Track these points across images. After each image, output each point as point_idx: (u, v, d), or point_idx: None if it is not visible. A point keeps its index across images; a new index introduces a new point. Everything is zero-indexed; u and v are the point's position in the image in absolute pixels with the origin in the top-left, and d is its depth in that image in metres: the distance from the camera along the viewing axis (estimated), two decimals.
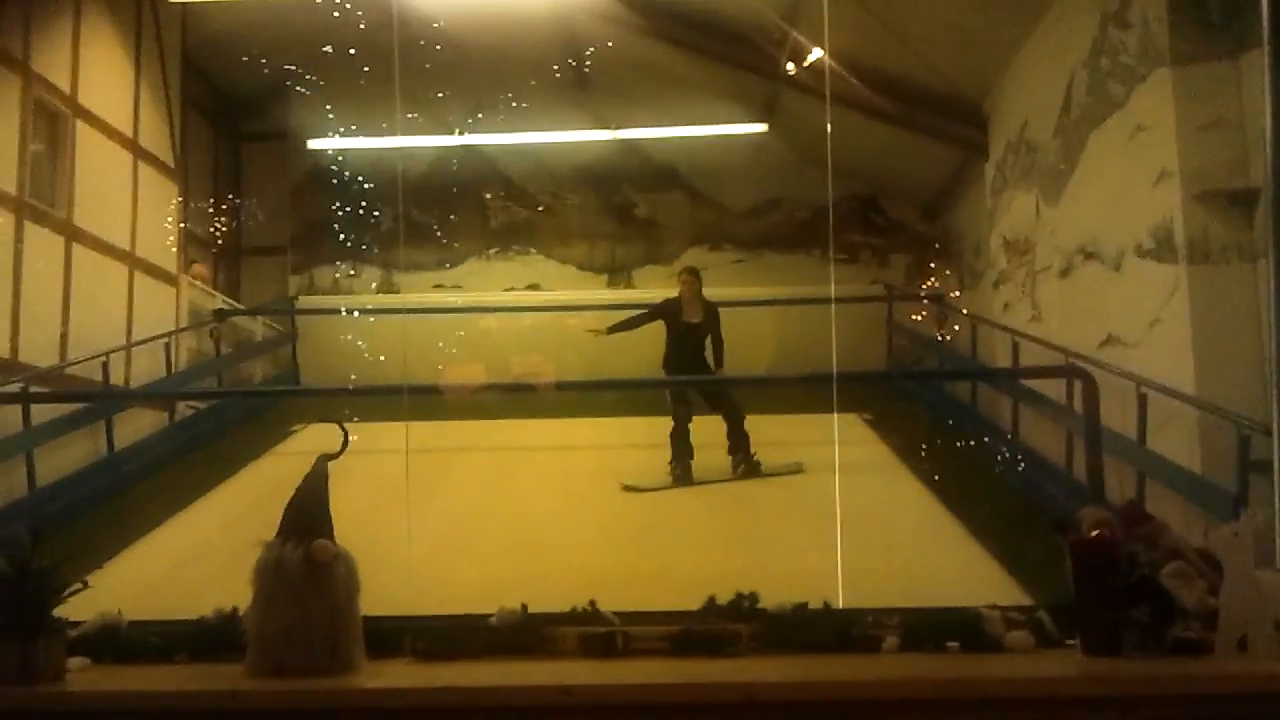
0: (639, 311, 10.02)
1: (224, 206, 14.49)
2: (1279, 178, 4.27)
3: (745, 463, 9.43)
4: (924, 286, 13.77)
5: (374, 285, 14.77)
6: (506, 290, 14.64)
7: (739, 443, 9.47)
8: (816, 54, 10.78)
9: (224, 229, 14.46)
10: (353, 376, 10.39)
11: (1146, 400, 7.70)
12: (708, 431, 9.50)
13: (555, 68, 13.29)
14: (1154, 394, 7.62)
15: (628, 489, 9.03)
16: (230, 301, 13.76)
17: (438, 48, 10.63)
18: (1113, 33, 8.46)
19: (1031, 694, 2.96)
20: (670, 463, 9.32)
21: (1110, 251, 8.61)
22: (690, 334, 9.73)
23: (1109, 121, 8.60)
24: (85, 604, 3.39)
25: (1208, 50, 7.40)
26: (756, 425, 9.64)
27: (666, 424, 9.40)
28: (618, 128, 14.41)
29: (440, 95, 12.12)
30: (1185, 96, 7.43)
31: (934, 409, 11.63)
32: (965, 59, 10.95)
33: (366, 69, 10.69)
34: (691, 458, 9.35)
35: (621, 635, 3.45)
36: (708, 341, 9.77)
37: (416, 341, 10.76)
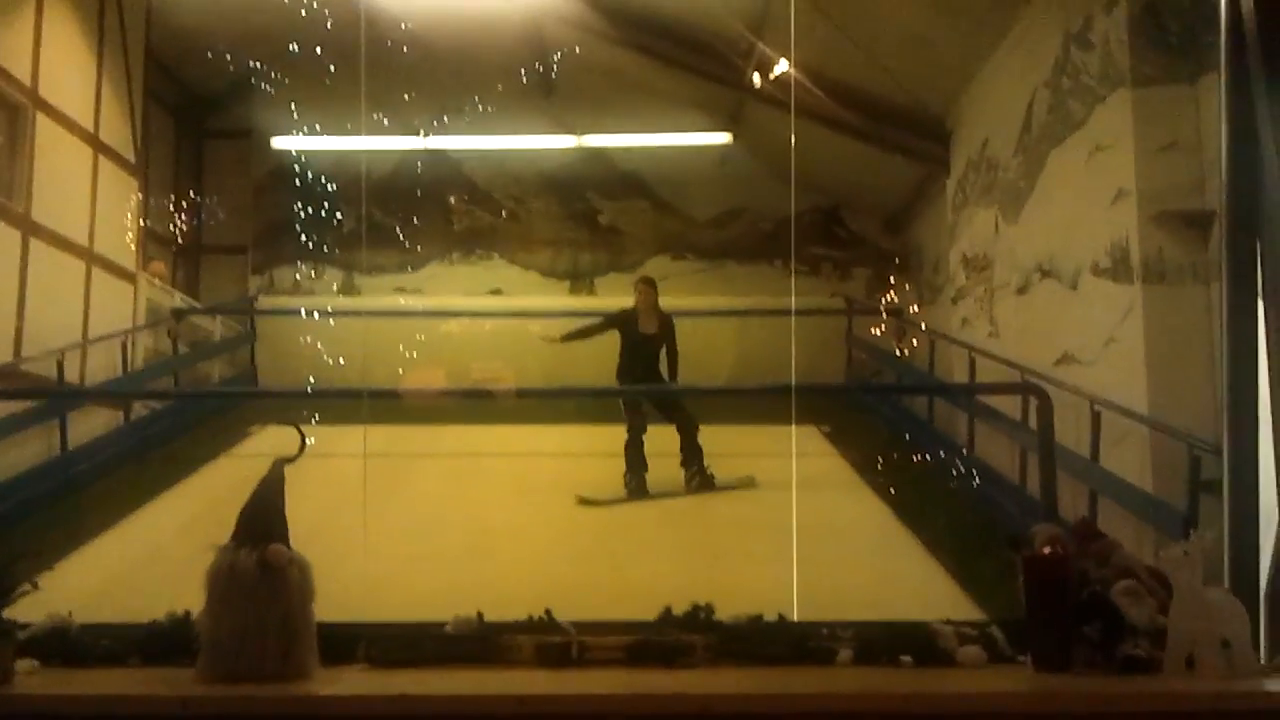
0: (594, 320, 10.01)
1: (185, 204, 14.34)
2: (1234, 200, 4.34)
3: (699, 476, 9.41)
4: (884, 300, 13.85)
5: (335, 287, 14.66)
6: (468, 295, 14.59)
7: (692, 455, 9.45)
8: (782, 66, 10.83)
9: (184, 227, 14.30)
10: (311, 379, 10.34)
11: (1100, 418, 7.78)
12: (661, 442, 9.49)
13: (522, 72, 13.27)
14: (1108, 412, 7.70)
15: (583, 502, 8.99)
16: (189, 300, 13.62)
17: (405, 49, 10.59)
18: (1075, 53, 8.56)
19: (983, 709, 2.99)
20: (625, 475, 9.30)
21: (1067, 270, 8.70)
22: (645, 345, 9.68)
23: (1069, 141, 8.69)
24: (35, 605, 3.35)
25: (1167, 73, 7.49)
26: (715, 436, 9.66)
27: (623, 433, 9.39)
28: (583, 134, 14.40)
29: (406, 97, 12.07)
30: (1144, 118, 7.52)
31: (891, 423, 11.70)
32: (929, 75, 11.04)
33: (333, 68, 10.64)
34: (646, 470, 9.33)
35: (577, 645, 3.45)
36: (662, 353, 9.73)
37: (377, 345, 10.73)
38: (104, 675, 3.32)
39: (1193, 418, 6.79)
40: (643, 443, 9.35)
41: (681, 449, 9.44)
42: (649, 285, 10.03)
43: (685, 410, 9.54)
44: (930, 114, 11.73)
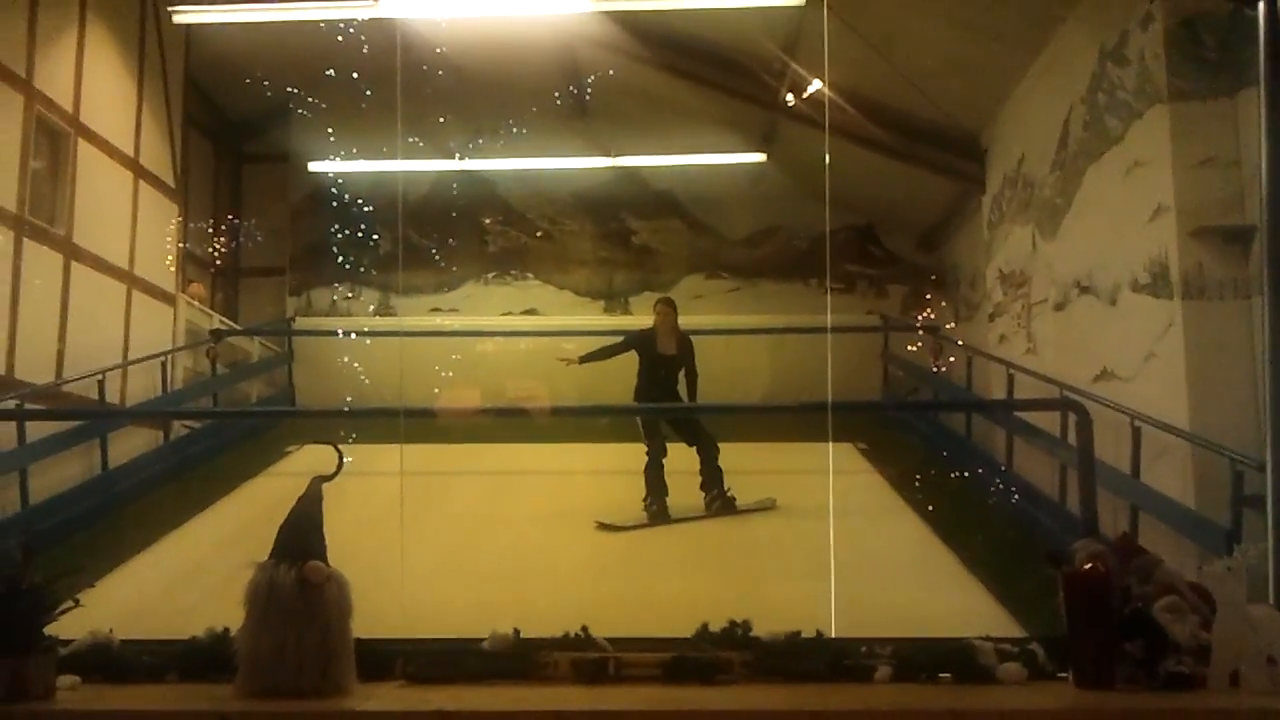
0: (613, 341, 9.90)
1: (223, 227, 14.52)
2: (1275, 215, 4.29)
3: (720, 499, 9.29)
4: (920, 317, 13.80)
5: (371, 308, 14.79)
6: (503, 315, 14.67)
7: (713, 478, 9.32)
8: (816, 85, 10.83)
9: (223, 249, 14.48)
10: (348, 398, 10.40)
11: (1140, 434, 7.71)
12: (681, 461, 9.44)
13: (556, 94, 13.36)
14: (1148, 428, 7.63)
15: (602, 527, 8.87)
16: (227, 321, 13.76)
17: (440, 73, 10.69)
18: (1110, 69, 8.52)
19: None
20: (645, 499, 9.18)
21: (1106, 286, 8.64)
22: (664, 366, 9.55)
23: (1106, 157, 8.64)
24: (77, 622, 3.38)
25: (1204, 87, 7.45)
26: (751, 453, 9.63)
27: (645, 456, 9.35)
28: (617, 155, 14.47)
29: (441, 120, 12.18)
30: (1182, 133, 7.47)
31: (929, 440, 11.64)
32: (964, 92, 11.02)
33: (369, 92, 10.74)
34: (666, 494, 9.20)
35: (614, 661, 3.44)
36: (681, 375, 9.58)
37: (413, 364, 10.78)
38: (144, 691, 3.34)
39: (1235, 432, 6.73)
40: (663, 465, 9.25)
41: (701, 471, 9.31)
42: (668, 306, 9.92)
43: (706, 432, 9.40)
44: (965, 131, 11.70)
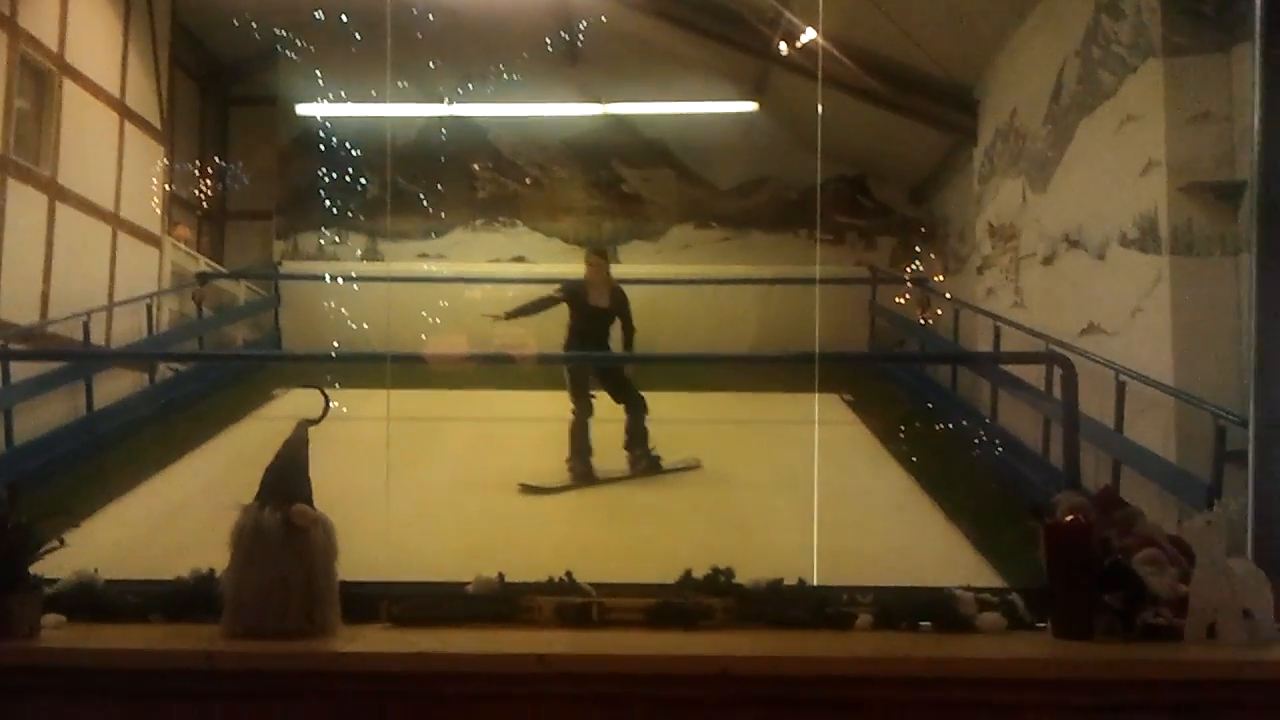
0: (543, 294, 9.60)
1: (210, 170, 14.40)
2: (1266, 171, 4.29)
3: (645, 458, 9.13)
4: (908, 270, 13.79)
5: (359, 253, 14.71)
6: (492, 262, 14.61)
7: (638, 437, 9.18)
8: (809, 34, 10.75)
9: (209, 192, 14.37)
10: (335, 343, 10.38)
11: (1125, 389, 7.74)
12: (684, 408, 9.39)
13: (547, 40, 13.22)
14: (1133, 383, 7.66)
15: (525, 489, 8.61)
16: (213, 265, 13.68)
17: (430, 16, 10.58)
18: (1105, 21, 8.47)
19: (1002, 674, 2.99)
20: (568, 460, 8.98)
21: (1095, 240, 8.64)
22: (595, 318, 9.33)
23: (1098, 111, 8.61)
24: (62, 562, 3.39)
25: (1199, 42, 7.40)
26: (738, 403, 9.65)
27: (649, 399, 9.37)
28: (608, 102, 14.37)
29: (431, 64, 12.06)
30: (1175, 87, 7.44)
31: (914, 392, 11.67)
32: (958, 44, 10.94)
33: (358, 36, 10.62)
34: (591, 454, 9.03)
35: (597, 606, 3.47)
36: (613, 328, 9.39)
37: (400, 310, 10.74)
38: (129, 630, 3.36)
39: (1218, 388, 6.75)
40: (588, 426, 9.06)
41: (627, 430, 9.16)
42: (600, 257, 9.68)
43: (634, 390, 9.22)
44: (958, 83, 11.64)
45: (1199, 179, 7.32)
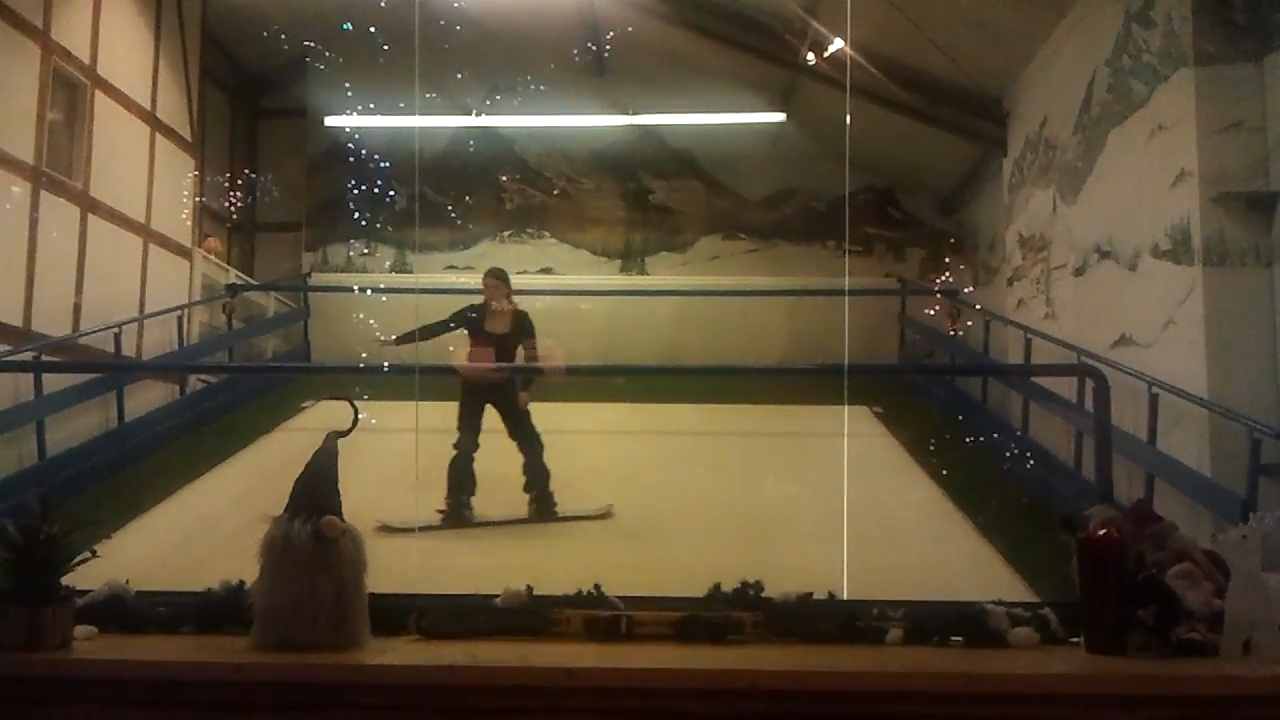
0: (436, 321, 8.96)
1: (240, 181, 14.51)
2: None
3: (538, 502, 8.25)
4: (938, 281, 13.73)
5: (387, 264, 14.78)
6: (519, 273, 14.65)
7: (535, 479, 8.29)
8: (837, 44, 10.73)
9: (239, 204, 14.48)
10: (364, 354, 10.41)
11: (1158, 401, 7.68)
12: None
13: (574, 51, 13.27)
14: (1165, 395, 7.60)
15: (383, 528, 7.24)
16: (243, 276, 13.78)
17: (458, 28, 10.63)
18: (1136, 31, 8.42)
19: (1034, 690, 2.96)
20: (446, 499, 8.09)
21: (1126, 251, 8.58)
22: (492, 346, 8.51)
23: (1129, 120, 8.56)
24: (93, 573, 3.40)
25: (1231, 51, 7.36)
26: (767, 416, 9.59)
27: (677, 411, 9.31)
28: (635, 113, 14.40)
29: (459, 76, 12.13)
30: (1207, 97, 7.40)
31: (944, 404, 11.62)
32: (987, 53, 10.90)
33: (386, 47, 10.69)
34: (472, 493, 8.18)
35: (626, 619, 3.45)
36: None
37: (428, 322, 10.78)
38: (160, 642, 3.36)
39: (1253, 401, 6.71)
40: (472, 461, 8.22)
41: (524, 470, 8.29)
42: (497, 278, 8.76)
43: (531, 428, 8.38)
44: (987, 93, 11.60)
45: (1231, 189, 7.28)
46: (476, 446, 8.23)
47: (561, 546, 7.31)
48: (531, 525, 7.93)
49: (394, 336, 8.73)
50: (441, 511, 8.01)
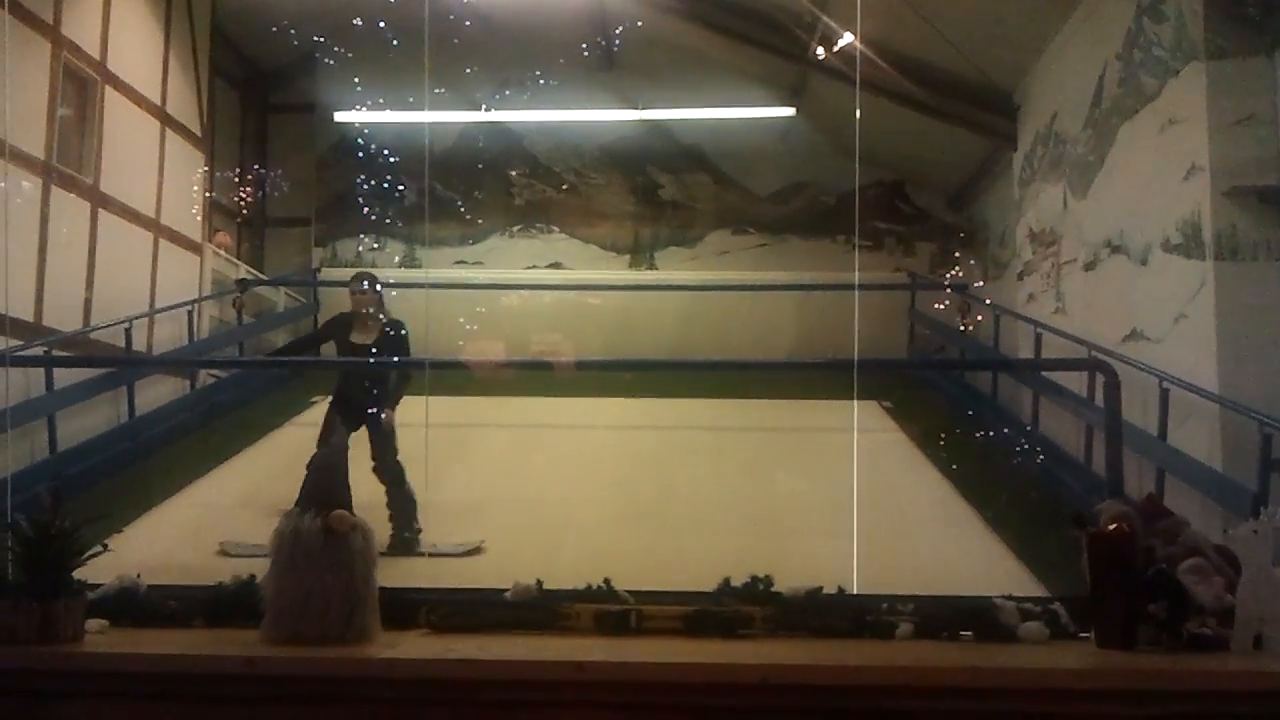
0: (306, 334, 8.49)
1: (250, 176, 14.52)
2: None
3: (397, 536, 7.32)
4: (948, 275, 13.70)
5: (397, 259, 14.78)
6: (528, 268, 14.65)
7: (397, 512, 7.41)
8: (847, 39, 10.71)
9: (249, 199, 14.49)
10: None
11: (1169, 396, 7.66)
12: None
13: (584, 46, 13.26)
14: (1176, 390, 7.58)
15: (224, 551, 6.90)
16: (253, 271, 13.80)
17: (467, 23, 10.63)
18: (1147, 25, 8.39)
19: (1044, 685, 2.95)
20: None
21: (1137, 245, 8.56)
22: (359, 357, 7.81)
23: (1140, 114, 8.53)
24: (104, 567, 3.41)
25: (1242, 45, 7.34)
26: (777, 411, 9.57)
27: (686, 406, 9.29)
28: (644, 108, 14.39)
29: (468, 70, 12.12)
30: (1218, 91, 7.37)
31: (954, 399, 11.60)
32: (997, 48, 10.87)
33: (395, 42, 10.69)
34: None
35: (635, 613, 3.45)
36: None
37: (437, 317, 10.78)
38: (171, 635, 3.38)
39: (1264, 395, 6.69)
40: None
41: (387, 504, 7.40)
42: (365, 285, 7.95)
43: (395, 456, 7.48)
44: (998, 87, 11.56)
45: (1243, 183, 7.25)
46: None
47: (569, 541, 7.30)
48: (532, 519, 7.92)
49: (265, 355, 8.03)
50: None
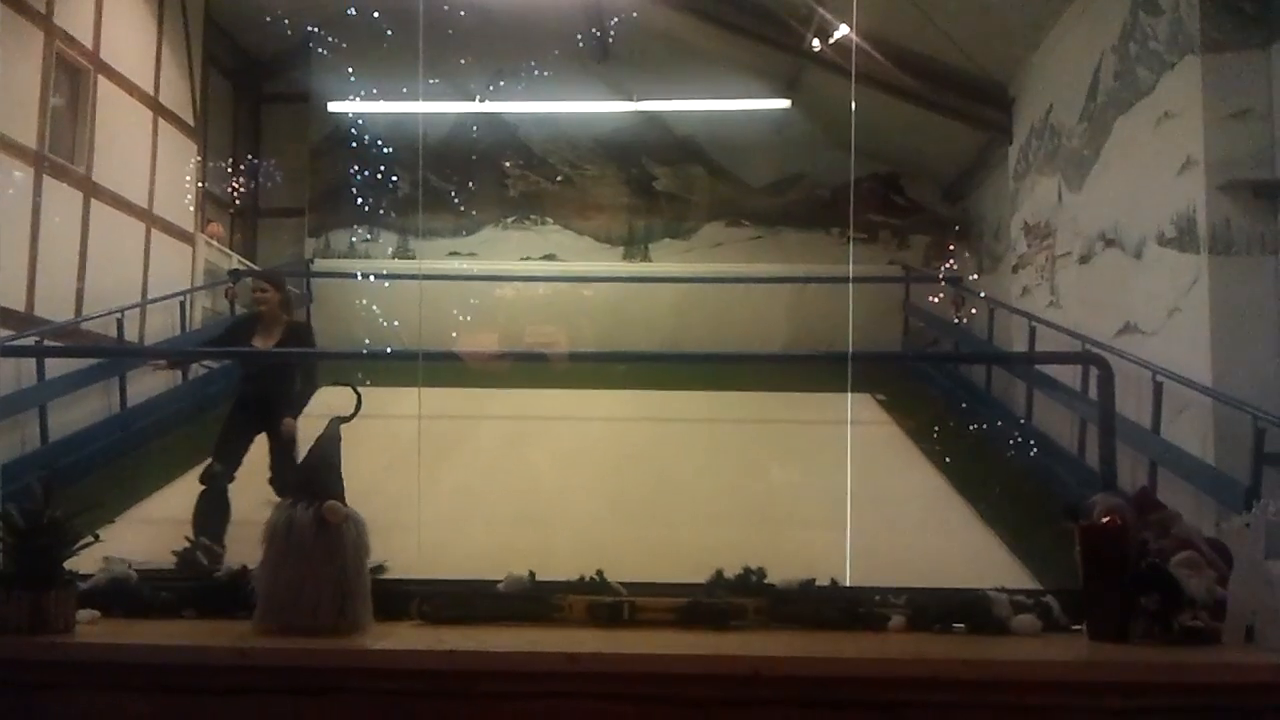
0: (208, 341, 8.27)
1: (242, 167, 14.49)
2: None
3: None
4: (942, 268, 13.72)
5: (390, 251, 14.77)
6: (522, 260, 14.64)
7: None
8: (842, 30, 10.70)
9: (242, 189, 14.46)
10: (366, 341, 10.41)
11: (1162, 389, 7.67)
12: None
13: (578, 37, 13.24)
14: (1170, 383, 7.59)
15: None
16: (246, 262, 13.76)
17: (461, 13, 10.60)
18: (1143, 18, 8.39)
19: (1036, 677, 2.95)
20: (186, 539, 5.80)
21: (1131, 239, 8.56)
22: (260, 364, 7.42)
23: (1135, 108, 8.53)
24: (96, 558, 3.40)
25: (1238, 39, 7.34)
26: (770, 403, 9.58)
27: (680, 398, 9.28)
28: (639, 99, 14.37)
29: (462, 61, 12.10)
30: (1213, 85, 7.37)
31: (948, 392, 11.61)
32: (992, 40, 10.87)
33: (389, 32, 10.67)
34: (224, 531, 6.56)
35: (628, 605, 3.45)
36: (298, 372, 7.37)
37: (431, 308, 10.78)
38: (163, 626, 3.37)
39: (1257, 389, 6.70)
40: (225, 491, 6.84)
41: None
42: (267, 285, 7.54)
43: (293, 461, 6.60)
44: (993, 80, 11.56)
45: (1238, 177, 7.26)
46: (233, 477, 6.96)
47: (562, 532, 7.30)
48: (525, 510, 7.92)
49: (167, 361, 7.82)
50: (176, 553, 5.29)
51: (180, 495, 8.34)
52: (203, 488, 6.76)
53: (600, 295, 13.03)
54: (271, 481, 6.94)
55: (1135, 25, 8.51)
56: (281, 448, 6.97)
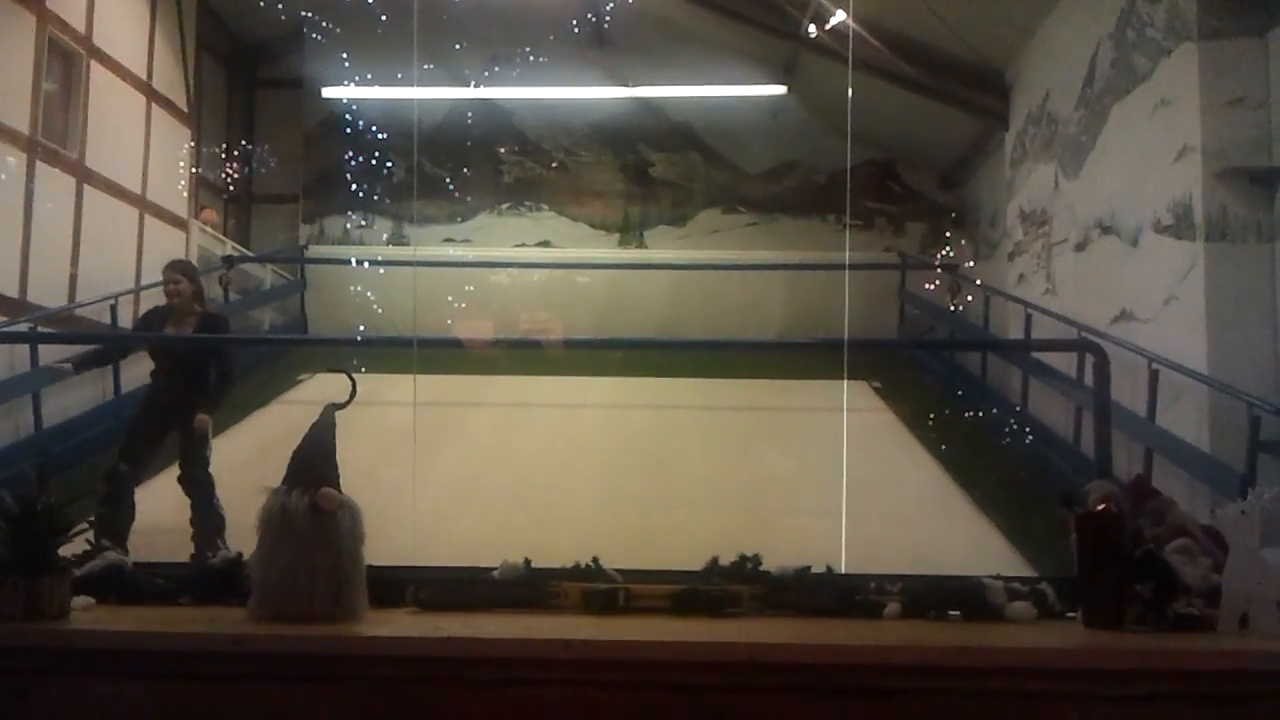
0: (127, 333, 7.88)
1: (236, 153, 14.45)
2: None
3: (200, 557, 5.99)
4: (938, 255, 13.71)
5: (385, 237, 14.74)
6: (517, 246, 14.62)
7: (204, 534, 6.46)
8: (839, 17, 10.68)
9: (235, 175, 14.42)
10: (361, 327, 10.40)
11: (1158, 377, 7.68)
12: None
13: (574, 22, 13.20)
14: (1165, 371, 7.59)
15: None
16: (239, 248, 13.73)
17: None
18: (1140, 5, 8.37)
19: (1031, 664, 2.95)
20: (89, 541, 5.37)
21: (1128, 226, 8.56)
22: (174, 356, 7.04)
23: (1132, 95, 8.52)
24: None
25: (1236, 26, 7.32)
26: (766, 390, 9.57)
27: (675, 385, 9.28)
28: (635, 85, 14.34)
29: (457, 46, 12.05)
30: (1210, 72, 7.36)
31: (944, 379, 11.61)
32: (989, 27, 10.85)
33: (384, 17, 10.63)
34: (127, 533, 6.25)
35: (624, 592, 3.44)
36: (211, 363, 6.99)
37: (426, 295, 10.76)
38: (157, 612, 3.36)
39: (1253, 377, 6.70)
40: (132, 492, 6.55)
41: (191, 523, 6.58)
42: (179, 274, 7.18)
43: (203, 471, 6.64)
44: (990, 67, 11.54)
45: (1234, 164, 7.26)
46: (137, 479, 6.70)
47: (557, 519, 7.30)
48: (520, 497, 7.92)
49: (72, 362, 7.38)
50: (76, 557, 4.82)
51: (175, 482, 8.35)
52: (106, 489, 6.34)
53: (596, 282, 13.03)
54: (180, 480, 6.66)
55: (1132, 12, 8.49)
56: (193, 446, 6.67)
